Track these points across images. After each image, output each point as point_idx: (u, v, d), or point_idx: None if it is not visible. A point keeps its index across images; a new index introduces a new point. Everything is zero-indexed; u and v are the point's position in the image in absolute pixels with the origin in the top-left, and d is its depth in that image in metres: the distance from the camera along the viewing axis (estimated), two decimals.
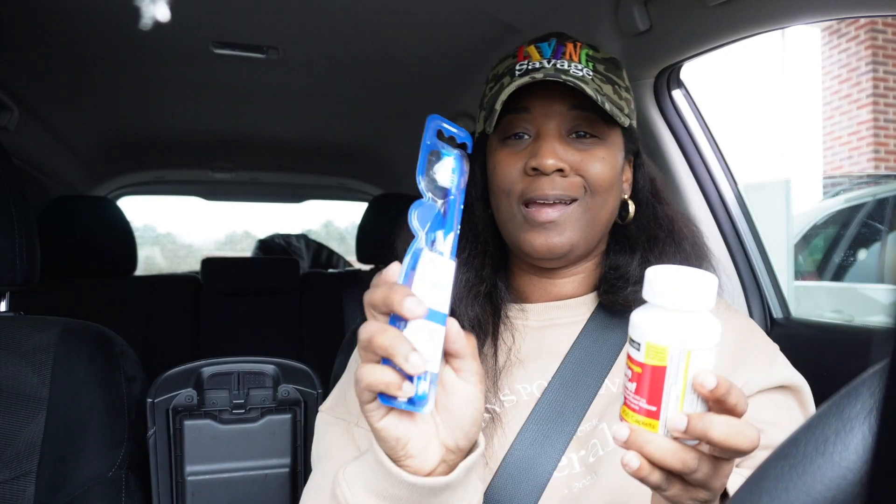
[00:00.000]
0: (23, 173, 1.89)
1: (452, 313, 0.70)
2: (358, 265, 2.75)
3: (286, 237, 3.97)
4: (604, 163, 0.75)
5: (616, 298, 0.78)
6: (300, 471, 1.18)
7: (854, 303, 3.30)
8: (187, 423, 1.10)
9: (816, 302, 3.57)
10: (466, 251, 0.78)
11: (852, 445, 0.32)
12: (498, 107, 0.71)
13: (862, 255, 3.44)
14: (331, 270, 3.36)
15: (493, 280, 0.79)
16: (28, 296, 1.11)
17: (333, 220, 5.54)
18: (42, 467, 0.95)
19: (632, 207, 0.81)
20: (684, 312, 0.47)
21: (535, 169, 0.73)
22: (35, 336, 1.00)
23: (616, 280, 0.78)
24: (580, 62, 0.75)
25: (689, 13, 1.08)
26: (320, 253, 4.04)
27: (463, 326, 0.71)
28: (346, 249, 4.03)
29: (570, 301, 0.81)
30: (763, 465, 0.36)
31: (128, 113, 2.15)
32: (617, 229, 0.83)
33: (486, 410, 0.73)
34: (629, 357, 0.49)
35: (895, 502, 0.29)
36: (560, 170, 0.72)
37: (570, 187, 0.73)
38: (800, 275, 3.82)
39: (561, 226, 0.74)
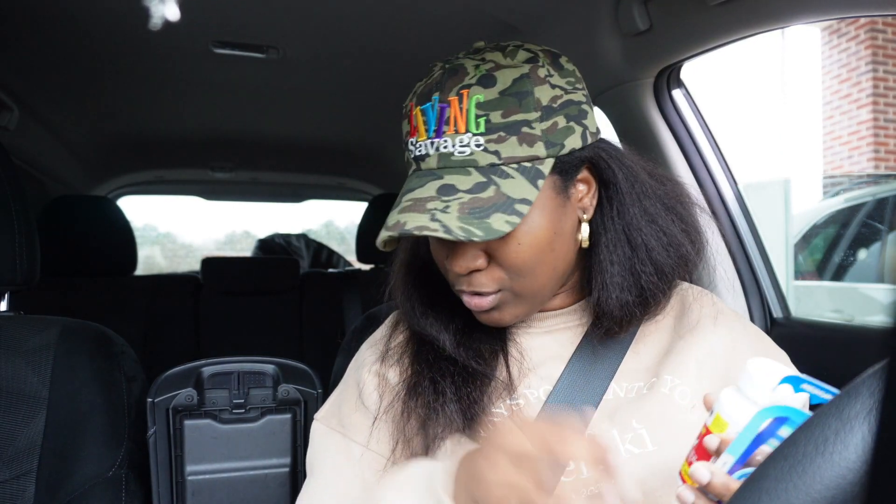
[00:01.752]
0: (23, 173, 1.89)
1: (465, 371, 0.73)
2: (358, 265, 2.75)
3: (286, 237, 3.96)
4: (521, 245, 0.67)
5: (612, 321, 0.74)
6: (300, 471, 1.18)
7: (854, 303, 3.30)
8: (187, 422, 1.10)
9: (816, 302, 3.57)
10: (452, 296, 0.76)
11: (852, 445, 0.32)
12: (380, 245, 0.67)
13: (862, 254, 3.44)
14: (331, 270, 3.36)
15: None
16: (28, 296, 1.11)
17: (333, 220, 5.54)
18: (42, 467, 0.95)
19: (585, 233, 0.73)
20: (756, 405, 0.53)
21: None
22: (35, 336, 1.00)
23: (613, 312, 0.73)
24: (466, 129, 0.65)
25: (689, 13, 1.08)
26: (320, 253, 4.03)
27: (474, 361, 0.73)
28: (346, 249, 4.03)
29: (565, 310, 0.80)
30: (763, 465, 0.36)
31: (128, 113, 2.15)
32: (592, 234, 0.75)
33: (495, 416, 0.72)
34: (705, 425, 0.56)
35: (895, 502, 0.29)
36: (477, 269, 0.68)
37: (491, 281, 0.69)
38: (800, 274, 3.82)
39: (499, 308, 0.71)
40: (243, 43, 1.54)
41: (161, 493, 1.08)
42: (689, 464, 0.55)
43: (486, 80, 0.66)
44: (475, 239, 0.61)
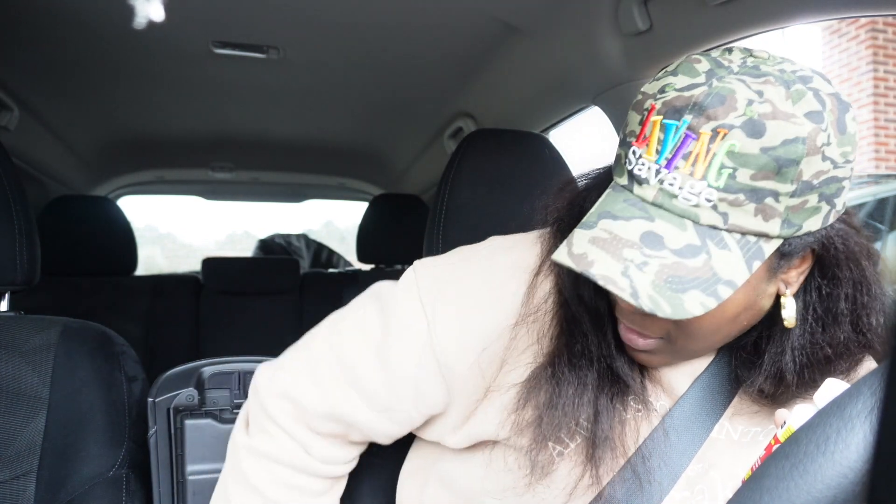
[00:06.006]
0: (23, 173, 1.89)
1: (611, 370, 0.67)
2: (358, 265, 2.75)
3: (286, 237, 3.97)
4: (706, 316, 0.56)
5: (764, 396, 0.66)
6: None
7: None
8: (188, 422, 1.10)
9: None
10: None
11: (853, 444, 0.32)
12: (556, 260, 0.58)
13: None
14: (331, 270, 3.35)
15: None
16: (28, 296, 1.11)
17: (333, 220, 5.54)
18: (42, 467, 0.95)
19: (791, 312, 0.61)
20: None
21: None
22: (35, 336, 1.00)
23: (773, 387, 0.65)
24: (706, 176, 0.54)
25: (689, 13, 1.08)
26: (320, 253, 4.04)
27: (623, 361, 0.68)
28: (346, 249, 4.03)
29: None
30: (764, 464, 0.36)
31: (128, 113, 2.15)
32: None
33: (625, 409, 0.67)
34: (775, 436, 0.54)
35: None
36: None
37: (657, 329, 0.62)
38: None
39: (654, 354, 0.65)
40: (243, 43, 1.54)
41: (162, 493, 1.08)
42: None
43: (753, 128, 0.53)
44: (660, 315, 0.53)
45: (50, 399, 0.97)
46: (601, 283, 0.54)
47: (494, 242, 0.78)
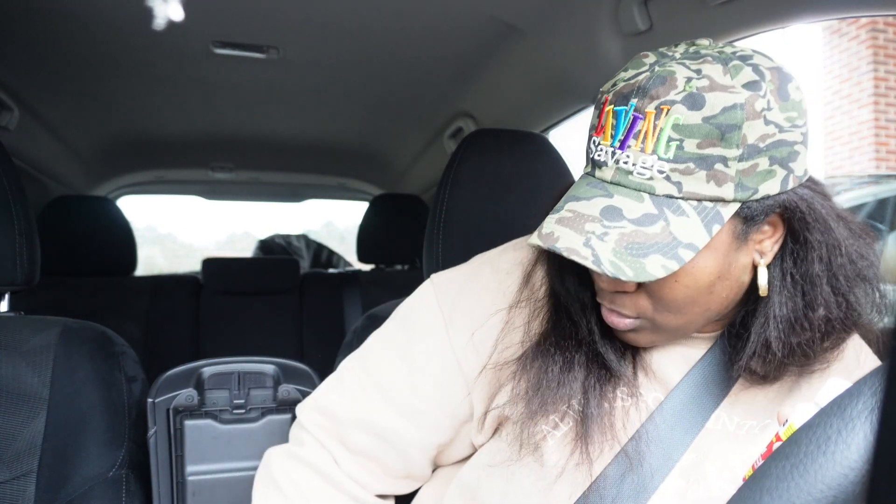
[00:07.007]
0: (23, 173, 1.89)
1: (598, 356, 0.70)
2: (358, 265, 2.75)
3: (286, 237, 3.97)
4: (678, 283, 0.61)
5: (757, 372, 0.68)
6: None
7: None
8: (188, 422, 1.10)
9: None
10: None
11: (854, 444, 0.32)
12: (531, 246, 0.64)
13: None
14: (331, 270, 3.35)
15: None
16: (28, 296, 1.11)
17: (333, 220, 5.55)
18: (42, 467, 0.95)
19: (763, 281, 0.64)
20: None
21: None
22: (35, 336, 1.00)
23: (764, 356, 0.66)
24: (653, 150, 0.58)
25: (689, 13, 1.08)
26: (320, 253, 4.04)
27: (612, 351, 0.70)
28: (347, 249, 4.03)
29: (705, 335, 0.74)
30: (765, 464, 0.36)
31: (128, 113, 2.15)
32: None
33: (606, 399, 0.69)
34: (776, 433, 0.55)
35: None
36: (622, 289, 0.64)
37: (633, 307, 0.65)
38: None
39: (636, 331, 0.67)
40: (243, 43, 1.54)
41: (161, 494, 1.08)
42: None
43: (693, 101, 0.57)
44: (623, 278, 0.57)
45: (50, 399, 0.97)
46: (566, 254, 0.58)
47: (504, 245, 0.83)
